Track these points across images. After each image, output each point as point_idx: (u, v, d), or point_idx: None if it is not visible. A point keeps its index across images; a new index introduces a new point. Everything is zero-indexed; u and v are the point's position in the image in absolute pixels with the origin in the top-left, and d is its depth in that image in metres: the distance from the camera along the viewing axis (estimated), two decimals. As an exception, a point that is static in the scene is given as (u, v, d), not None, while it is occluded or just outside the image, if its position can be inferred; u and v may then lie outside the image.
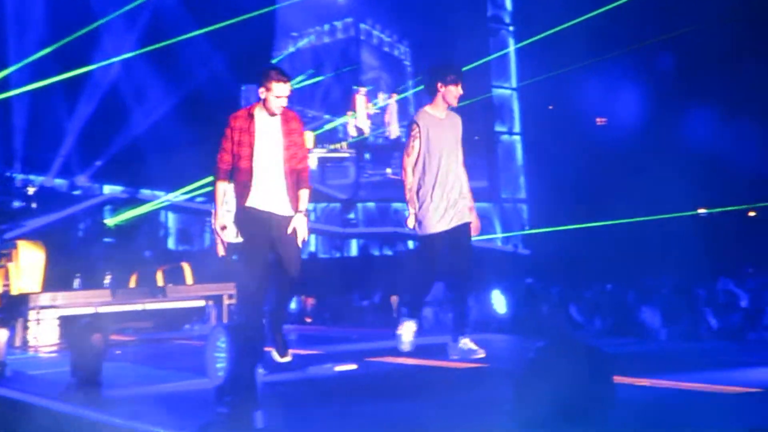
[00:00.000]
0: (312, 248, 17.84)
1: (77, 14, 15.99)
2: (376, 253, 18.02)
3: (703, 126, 13.77)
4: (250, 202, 6.14)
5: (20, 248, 10.65)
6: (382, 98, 20.06)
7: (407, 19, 20.26)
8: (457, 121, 6.73)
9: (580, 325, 9.00)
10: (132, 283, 11.24)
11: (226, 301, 10.55)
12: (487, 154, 20.20)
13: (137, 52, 16.54)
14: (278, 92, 6.12)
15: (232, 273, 10.47)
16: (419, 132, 6.53)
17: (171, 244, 18.10)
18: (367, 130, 18.54)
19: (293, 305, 12.67)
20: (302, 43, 21.51)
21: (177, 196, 17.60)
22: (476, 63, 17.32)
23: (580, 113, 17.26)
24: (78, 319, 7.56)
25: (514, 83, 20.99)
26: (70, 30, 15.65)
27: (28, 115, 16.65)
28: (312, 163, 17.57)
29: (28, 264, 10.50)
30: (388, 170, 19.24)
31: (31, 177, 16.92)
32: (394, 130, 18.69)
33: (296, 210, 6.19)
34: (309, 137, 18.64)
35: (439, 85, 6.54)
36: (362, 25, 20.89)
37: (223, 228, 6.25)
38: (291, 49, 21.36)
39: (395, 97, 18.87)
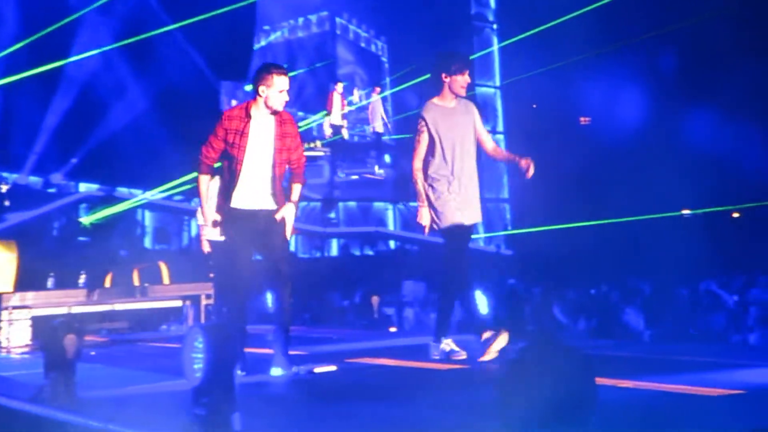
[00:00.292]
0: (292, 248, 17.74)
1: (52, 7, 15.80)
2: (357, 253, 17.94)
3: (688, 126, 13.81)
4: (234, 203, 6.04)
5: (-8, 247, 10.48)
6: (357, 95, 19.88)
7: (385, 15, 20.01)
8: (470, 107, 6.52)
9: (563, 326, 8.98)
10: (107, 283, 11.11)
11: (203, 301, 10.42)
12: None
13: (113, 46, 16.34)
14: (280, 86, 5.97)
15: (211, 272, 10.37)
16: (426, 126, 6.33)
17: (148, 243, 17.93)
18: (344, 129, 18.39)
19: (270, 305, 12.57)
20: (274, 36, 21.15)
21: (154, 195, 17.43)
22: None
23: (564, 112, 17.29)
24: (51, 319, 7.44)
25: (497, 82, 20.97)
26: (45, 23, 15.44)
27: (0, 110, 16.42)
28: None
29: (0, 263, 10.33)
30: (379, 170, 19.06)
31: (4, 174, 16.70)
32: (378, 127, 18.55)
33: (285, 202, 6.10)
34: None
35: (444, 75, 6.35)
36: (338, 20, 20.60)
37: (215, 223, 6.14)
38: (263, 43, 21.00)
39: (378, 92, 18.66)
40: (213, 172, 6.22)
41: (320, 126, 19.34)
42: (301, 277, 13.07)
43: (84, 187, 17.86)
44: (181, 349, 5.58)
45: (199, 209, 10.26)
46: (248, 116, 6.03)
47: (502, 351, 6.23)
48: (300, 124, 19.31)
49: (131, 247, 15.91)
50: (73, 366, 5.73)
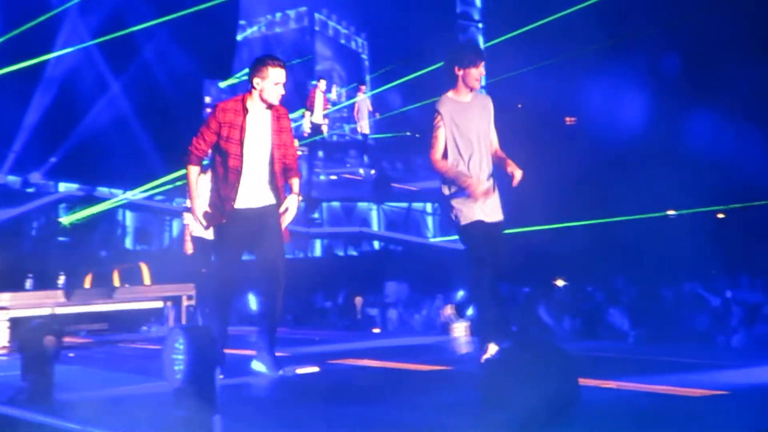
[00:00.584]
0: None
1: (31, 3, 15.65)
2: (341, 253, 17.88)
3: (673, 126, 13.83)
4: (231, 201, 5.83)
5: (-31, 247, 10.38)
6: (335, 92, 19.69)
7: (366, 11, 19.78)
8: (486, 102, 6.29)
9: (548, 327, 8.96)
10: (87, 284, 11.00)
11: (185, 303, 10.33)
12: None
13: (92, 42, 16.19)
14: (276, 78, 5.79)
15: (192, 273, 10.30)
16: (442, 120, 6.06)
17: (128, 243, 17.79)
18: (324, 128, 18.21)
19: (253, 306, 12.51)
20: (251, 31, 20.79)
21: (135, 194, 17.31)
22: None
23: (550, 112, 17.29)
24: (30, 320, 7.34)
25: (482, 81, 21.01)
26: (24, 19, 15.30)
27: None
28: None
29: (-22, 264, 10.22)
30: (365, 171, 18.86)
31: (-18, 174, 16.57)
32: (364, 126, 18.39)
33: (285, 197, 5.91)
34: None
35: (457, 69, 6.12)
36: (317, 15, 20.31)
37: (206, 218, 5.94)
38: (239, 38, 20.66)
39: (363, 91, 18.48)
40: (202, 165, 6.02)
41: (298, 124, 19.15)
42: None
43: (64, 187, 17.70)
44: (161, 350, 5.53)
45: (185, 210, 10.25)
46: (244, 110, 5.82)
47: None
48: None
49: (112, 247, 15.81)
50: (52, 368, 5.65)
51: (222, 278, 6.00)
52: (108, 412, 5.02)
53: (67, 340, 8.44)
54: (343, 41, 20.84)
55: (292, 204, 5.87)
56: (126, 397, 5.68)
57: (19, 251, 12.96)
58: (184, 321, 9.99)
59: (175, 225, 17.30)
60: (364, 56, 21.00)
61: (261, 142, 5.84)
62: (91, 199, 16.58)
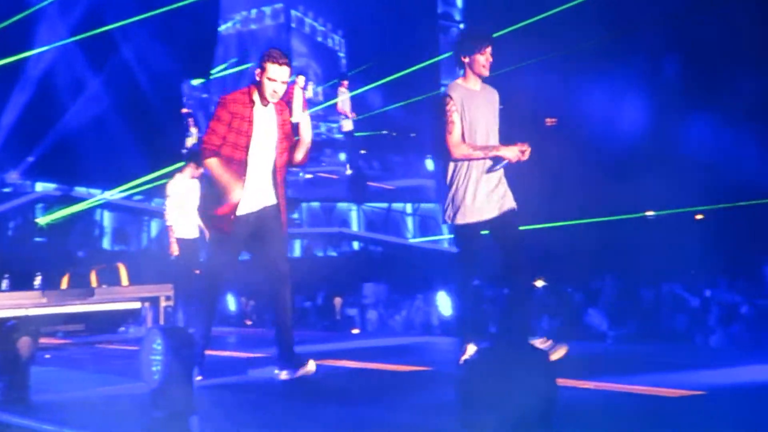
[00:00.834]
0: (253, 249, 17.58)
1: (8, 1, 15.50)
2: (320, 254, 17.85)
3: (653, 127, 13.87)
4: (237, 201, 5.65)
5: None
6: (311, 90, 19.49)
7: (344, 9, 19.57)
8: (493, 96, 6.11)
9: (528, 327, 8.95)
10: (64, 285, 10.93)
11: (162, 303, 10.27)
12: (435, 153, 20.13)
13: (70, 40, 16.05)
14: (271, 74, 5.61)
15: (170, 273, 10.26)
16: (454, 104, 5.86)
17: (106, 244, 17.67)
18: (305, 126, 17.99)
19: (233, 307, 12.47)
20: (225, 27, 20.45)
21: (113, 194, 17.20)
22: (427, 62, 17.20)
23: (532, 112, 17.31)
24: (5, 321, 7.27)
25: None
26: (0, 18, 15.15)
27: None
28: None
29: (-47, 264, 10.12)
30: (349, 170, 18.63)
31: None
32: (346, 125, 18.22)
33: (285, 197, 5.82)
34: None
35: (463, 56, 5.93)
36: (293, 12, 20.06)
37: (214, 218, 5.77)
38: (213, 35, 20.30)
39: (346, 86, 18.21)
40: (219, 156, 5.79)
41: None
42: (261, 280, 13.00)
43: (41, 187, 17.55)
44: (139, 351, 5.49)
45: (166, 211, 10.21)
46: (251, 101, 5.68)
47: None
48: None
49: (89, 248, 15.70)
50: (27, 369, 5.61)
51: (212, 280, 5.90)
52: (84, 414, 5.00)
53: (43, 341, 8.39)
54: (319, 39, 20.60)
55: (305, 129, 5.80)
56: (103, 398, 5.63)
57: (-4, 251, 12.86)
58: (161, 322, 9.94)
59: (154, 225, 17.21)
60: (341, 54, 20.83)
61: (267, 135, 5.72)
62: (69, 199, 16.46)
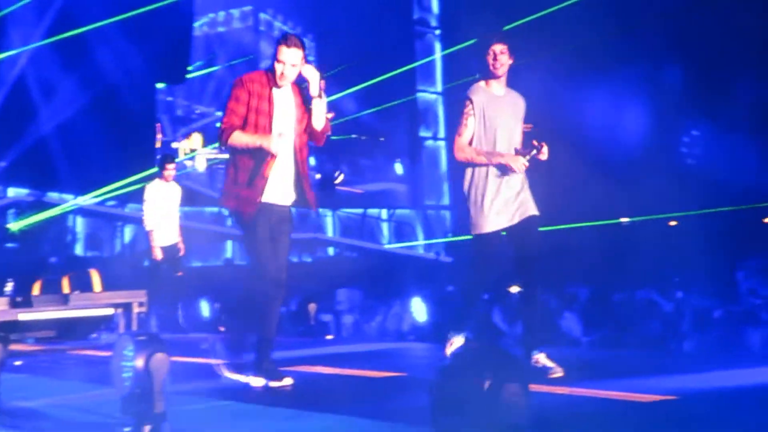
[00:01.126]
0: (228, 254, 17.50)
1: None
2: (295, 259, 17.79)
3: (628, 132, 13.92)
4: (259, 194, 5.49)
5: None
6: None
7: (315, 12, 19.32)
8: (518, 101, 5.94)
9: (502, 332, 8.98)
10: (36, 291, 10.81)
11: (135, 310, 10.19)
12: (410, 159, 20.09)
13: (42, 43, 15.87)
14: (281, 56, 5.50)
15: (144, 280, 10.19)
16: (473, 109, 5.73)
17: (79, 249, 17.52)
18: None
19: (206, 312, 12.40)
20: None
21: (87, 200, 17.05)
22: (403, 68, 17.16)
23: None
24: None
25: (439, 87, 20.91)
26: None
27: None
28: (200, 165, 16.36)
29: (-77, 270, 9.99)
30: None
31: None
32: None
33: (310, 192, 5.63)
34: (197, 138, 17.67)
35: (479, 60, 5.79)
36: (262, 15, 19.82)
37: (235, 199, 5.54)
38: (179, 37, 19.90)
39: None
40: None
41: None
42: (235, 284, 12.95)
43: (12, 192, 17.39)
44: (110, 358, 5.44)
45: (144, 216, 10.15)
46: (269, 82, 5.55)
47: None
48: (217, 125, 18.56)
49: (61, 253, 15.56)
50: (-3, 376, 5.55)
51: (271, 276, 5.53)
52: (54, 421, 4.94)
53: (13, 347, 8.29)
54: None
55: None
56: (73, 406, 5.57)
57: (-34, 257, 12.72)
58: (134, 328, 9.86)
59: (127, 231, 17.09)
60: (311, 58, 20.63)
61: (286, 117, 5.58)
62: (41, 205, 16.31)
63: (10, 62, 16.22)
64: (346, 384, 6.17)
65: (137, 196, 14.35)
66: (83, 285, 10.85)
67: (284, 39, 5.57)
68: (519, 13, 14.63)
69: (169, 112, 19.05)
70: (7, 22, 15.94)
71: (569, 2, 13.81)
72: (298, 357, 7.23)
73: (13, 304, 9.55)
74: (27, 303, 9.81)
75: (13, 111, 16.34)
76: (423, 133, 20.60)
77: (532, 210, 5.85)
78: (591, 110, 14.79)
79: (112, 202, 17.23)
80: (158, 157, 15.82)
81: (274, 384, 5.64)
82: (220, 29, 19.65)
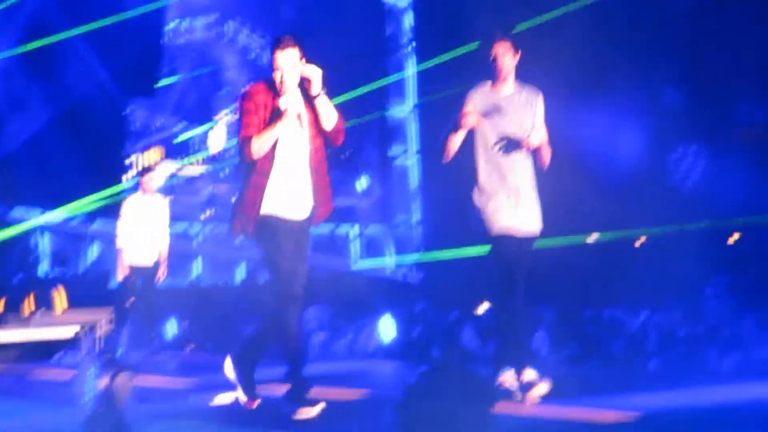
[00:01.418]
0: (197, 273, 17.37)
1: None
2: (264, 278, 17.66)
3: (594, 149, 13.97)
4: (267, 208, 5.18)
5: None
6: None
7: (284, 25, 19.08)
8: (531, 98, 5.61)
9: (470, 351, 8.96)
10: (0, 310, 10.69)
11: (100, 329, 10.10)
12: (381, 176, 20.03)
13: (8, 54, 15.68)
14: (277, 62, 5.18)
15: (110, 299, 10.09)
16: (469, 108, 5.49)
17: (44, 268, 17.31)
18: (219, 143, 17.32)
19: (174, 332, 12.28)
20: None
21: (52, 217, 16.86)
22: (374, 84, 17.13)
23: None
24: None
25: (411, 104, 20.89)
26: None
27: None
28: (159, 180, 15.92)
29: None
30: None
31: None
32: None
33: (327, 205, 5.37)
34: (157, 152, 17.41)
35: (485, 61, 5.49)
36: (227, 25, 19.57)
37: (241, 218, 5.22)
38: (140, 47, 19.48)
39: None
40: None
41: (203, 140, 18.25)
42: (204, 302, 12.87)
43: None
44: (74, 378, 5.39)
45: (118, 236, 9.82)
46: (273, 91, 5.20)
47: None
48: (179, 138, 18.21)
49: (26, 272, 15.36)
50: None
51: (284, 290, 5.18)
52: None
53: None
54: (255, 53, 20.01)
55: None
56: (34, 428, 5.50)
57: (-73, 276, 12.52)
58: (99, 348, 9.77)
59: (94, 249, 16.91)
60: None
61: (295, 132, 5.25)
62: (5, 222, 16.10)
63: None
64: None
65: (106, 212, 14.22)
66: (48, 304, 10.74)
67: (278, 43, 5.24)
68: (486, 28, 14.66)
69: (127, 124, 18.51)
70: None
71: (550, 17, 13.79)
72: (266, 376, 7.17)
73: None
74: (-9, 323, 9.71)
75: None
76: (394, 150, 20.60)
77: (535, 225, 5.64)
78: (575, 128, 14.89)
79: (78, 220, 17.05)
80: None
81: (308, 412, 5.19)
82: (183, 39, 19.14)
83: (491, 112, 5.49)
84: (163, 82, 17.95)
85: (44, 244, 17.35)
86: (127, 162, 16.91)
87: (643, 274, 11.31)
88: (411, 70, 20.62)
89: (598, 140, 13.05)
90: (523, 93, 5.60)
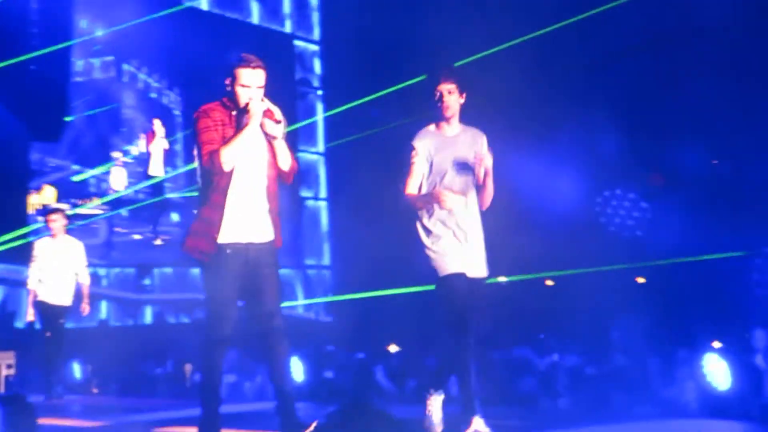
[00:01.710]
0: (103, 315, 16.96)
1: None
2: (172, 320, 17.36)
3: (508, 188, 14.22)
4: (224, 236, 4.87)
5: None
6: (141, 144, 18.29)
7: (184, 68, 18.74)
8: (477, 138, 5.40)
9: (383, 391, 8.96)
10: None
11: (2, 372, 9.77)
12: (291, 219, 19.94)
13: None
14: (244, 79, 4.90)
15: (12, 341, 9.79)
16: (417, 155, 5.29)
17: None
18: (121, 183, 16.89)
19: (78, 374, 11.96)
20: None
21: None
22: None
23: (386, 178, 17.39)
24: None
25: (321, 148, 20.93)
26: None
27: None
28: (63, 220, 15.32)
29: None
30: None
31: None
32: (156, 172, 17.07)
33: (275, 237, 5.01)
34: (50, 192, 16.96)
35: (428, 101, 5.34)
36: (125, 66, 19.22)
37: (196, 243, 4.93)
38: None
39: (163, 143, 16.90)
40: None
41: (100, 180, 17.74)
42: (111, 345, 12.57)
43: None
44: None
45: (30, 278, 9.50)
46: (229, 111, 4.94)
47: None
48: (74, 178, 17.75)
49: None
50: None
51: (213, 332, 5.00)
52: None
53: None
54: (154, 95, 19.65)
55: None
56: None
57: None
58: (2, 390, 9.44)
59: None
60: (177, 112, 19.89)
61: (255, 150, 4.97)
62: None
63: None
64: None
65: (8, 256, 13.80)
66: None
67: (244, 61, 4.97)
68: (406, 74, 14.82)
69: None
70: None
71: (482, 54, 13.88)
72: (172, 418, 7.04)
73: None
74: None
75: None
76: (304, 193, 20.57)
77: (483, 270, 5.44)
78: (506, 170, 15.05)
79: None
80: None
81: None
82: (79, 79, 18.63)
83: (436, 152, 5.33)
84: (62, 120, 17.44)
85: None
86: (29, 202, 16.41)
87: (552, 315, 11.54)
88: (321, 114, 20.74)
89: (520, 181, 13.33)
90: (468, 133, 5.44)
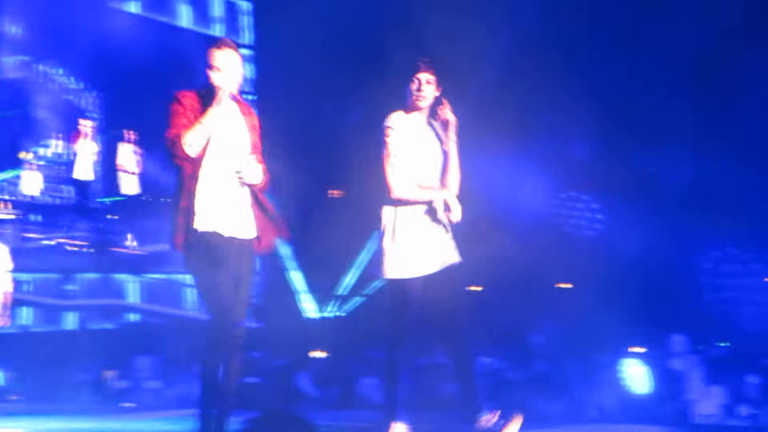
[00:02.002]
0: (24, 321, 16.59)
1: None
2: (95, 326, 17.04)
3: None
4: (201, 223, 4.49)
5: None
6: (56, 147, 17.86)
7: (106, 70, 18.24)
8: (449, 126, 5.10)
9: (304, 397, 8.98)
10: None
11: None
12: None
13: None
14: (214, 60, 4.60)
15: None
16: (393, 131, 5.00)
17: None
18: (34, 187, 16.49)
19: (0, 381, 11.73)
20: None
21: None
22: None
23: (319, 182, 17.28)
24: None
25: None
26: None
27: None
28: None
29: None
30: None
31: None
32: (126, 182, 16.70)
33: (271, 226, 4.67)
34: None
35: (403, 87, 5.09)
36: (41, 66, 18.68)
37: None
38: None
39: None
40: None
41: (13, 183, 17.23)
42: (31, 351, 12.34)
43: None
44: None
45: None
46: (205, 100, 4.57)
47: None
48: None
49: None
50: None
51: (221, 316, 4.53)
52: None
53: None
54: (70, 97, 19.12)
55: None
56: None
57: None
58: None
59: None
60: (95, 115, 19.29)
61: (233, 138, 4.66)
62: None
63: None
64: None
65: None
66: None
67: (215, 42, 4.68)
68: (343, 78, 14.71)
69: None
70: None
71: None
72: (95, 429, 6.97)
73: None
74: None
75: None
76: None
77: (453, 256, 5.06)
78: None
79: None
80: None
81: None
82: None
83: (412, 134, 5.07)
84: None
85: None
86: None
87: (475, 321, 11.67)
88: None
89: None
90: (435, 124, 5.18)
